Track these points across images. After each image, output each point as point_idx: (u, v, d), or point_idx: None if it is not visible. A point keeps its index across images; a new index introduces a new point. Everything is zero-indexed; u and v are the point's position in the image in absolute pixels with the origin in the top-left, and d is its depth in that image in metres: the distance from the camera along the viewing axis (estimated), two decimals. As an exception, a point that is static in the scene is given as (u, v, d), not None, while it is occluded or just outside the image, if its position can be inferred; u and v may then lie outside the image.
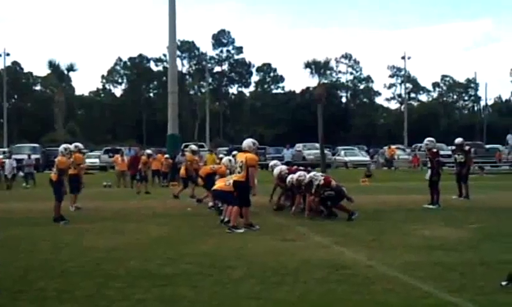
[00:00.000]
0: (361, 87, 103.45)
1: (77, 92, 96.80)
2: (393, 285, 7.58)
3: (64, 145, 16.21)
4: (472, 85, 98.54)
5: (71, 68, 57.68)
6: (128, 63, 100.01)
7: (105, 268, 8.94)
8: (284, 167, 17.10)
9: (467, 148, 20.16)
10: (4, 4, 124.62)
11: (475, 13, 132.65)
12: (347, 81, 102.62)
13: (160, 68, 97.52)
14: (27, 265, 9.30)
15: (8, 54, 76.66)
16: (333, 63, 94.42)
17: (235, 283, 7.84)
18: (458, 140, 20.04)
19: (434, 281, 7.71)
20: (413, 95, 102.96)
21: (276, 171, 16.50)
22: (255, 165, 13.03)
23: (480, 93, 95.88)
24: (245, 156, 12.86)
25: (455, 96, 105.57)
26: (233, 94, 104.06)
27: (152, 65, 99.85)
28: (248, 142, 13.32)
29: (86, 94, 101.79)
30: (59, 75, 58.77)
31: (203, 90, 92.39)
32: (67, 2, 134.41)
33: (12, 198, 23.90)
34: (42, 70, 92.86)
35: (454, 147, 20.93)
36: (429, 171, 17.80)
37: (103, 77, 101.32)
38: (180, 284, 7.78)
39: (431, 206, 16.79)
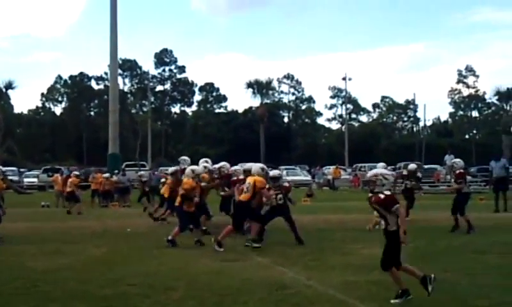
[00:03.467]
0: (303, 107, 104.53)
1: (16, 110, 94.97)
2: (332, 304, 7.67)
3: None
4: (411, 106, 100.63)
5: (9, 86, 56.68)
6: (69, 81, 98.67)
7: (42, 290, 8.76)
8: None
9: (419, 174, 20.05)
10: None
11: (413, 36, 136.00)
12: (289, 101, 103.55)
13: (101, 86, 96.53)
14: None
15: None
16: (275, 83, 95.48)
17: (175, 304, 7.81)
18: (412, 166, 19.97)
19: (373, 301, 7.82)
20: (353, 116, 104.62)
21: None
22: (264, 187, 13.22)
23: (419, 114, 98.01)
24: (254, 179, 13.21)
25: (395, 117, 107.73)
26: (175, 113, 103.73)
27: (93, 83, 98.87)
28: (256, 168, 13.77)
29: (25, 112, 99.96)
30: (-3, 93, 57.57)
31: (145, 109, 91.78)
32: (6, 21, 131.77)
33: None
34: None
35: (404, 172, 20.13)
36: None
37: (43, 95, 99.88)
38: (119, 306, 7.69)
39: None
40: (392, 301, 7.58)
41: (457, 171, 16.08)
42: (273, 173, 14.75)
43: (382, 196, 7.74)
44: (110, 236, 15.40)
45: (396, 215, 7.66)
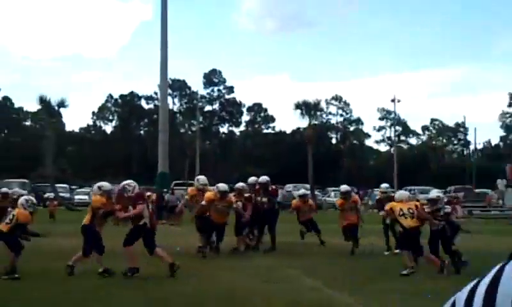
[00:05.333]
0: (351, 129, 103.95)
1: (68, 128, 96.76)
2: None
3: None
4: (461, 129, 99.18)
5: (62, 104, 57.40)
6: (120, 100, 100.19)
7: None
8: None
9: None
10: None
11: (463, 58, 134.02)
12: (337, 123, 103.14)
13: (151, 105, 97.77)
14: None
15: (-1, 89, 76.92)
16: (323, 105, 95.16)
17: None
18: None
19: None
20: (402, 138, 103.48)
21: None
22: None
23: (469, 137, 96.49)
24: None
25: (444, 140, 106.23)
26: (223, 133, 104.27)
27: (143, 103, 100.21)
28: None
29: (77, 130, 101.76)
30: (49, 111, 58.55)
31: (193, 129, 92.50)
32: (57, 39, 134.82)
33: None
34: (33, 106, 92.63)
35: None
36: None
37: (94, 113, 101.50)
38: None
39: None
40: None
41: None
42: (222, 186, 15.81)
43: None
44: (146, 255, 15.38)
45: None
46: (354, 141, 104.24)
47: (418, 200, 16.08)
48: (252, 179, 17.55)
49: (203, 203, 15.34)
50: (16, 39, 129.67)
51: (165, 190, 33.99)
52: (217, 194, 15.41)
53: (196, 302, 9.26)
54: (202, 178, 16.92)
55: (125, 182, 12.97)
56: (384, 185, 18.75)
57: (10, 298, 9.74)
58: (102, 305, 9.16)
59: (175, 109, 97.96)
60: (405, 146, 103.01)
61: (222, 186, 15.73)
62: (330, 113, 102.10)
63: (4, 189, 22.56)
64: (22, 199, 12.61)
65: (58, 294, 10.02)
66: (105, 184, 13.52)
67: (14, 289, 10.50)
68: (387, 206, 13.96)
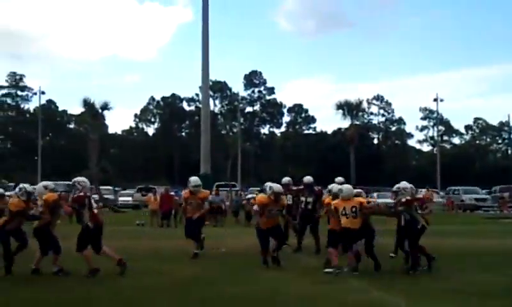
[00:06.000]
0: (393, 129, 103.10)
1: (111, 130, 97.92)
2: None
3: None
4: (505, 128, 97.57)
5: (105, 107, 58.38)
6: (161, 102, 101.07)
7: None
8: None
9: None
10: (40, 44, 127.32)
11: (507, 56, 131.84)
12: (379, 123, 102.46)
13: (192, 107, 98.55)
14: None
15: (43, 92, 78.12)
16: (364, 105, 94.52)
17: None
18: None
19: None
20: (445, 138, 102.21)
21: None
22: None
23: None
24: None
25: (488, 139, 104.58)
26: (264, 134, 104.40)
27: (185, 105, 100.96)
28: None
29: (119, 132, 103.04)
30: (93, 114, 59.49)
31: (234, 130, 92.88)
32: (100, 42, 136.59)
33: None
34: (76, 108, 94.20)
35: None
36: None
37: (136, 115, 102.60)
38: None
39: None
40: None
41: None
42: (277, 187, 13.81)
43: None
44: (203, 256, 15.40)
45: None
46: (396, 141, 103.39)
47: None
48: (286, 179, 17.20)
49: (256, 208, 13.59)
50: (61, 43, 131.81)
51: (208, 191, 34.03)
52: (271, 197, 13.19)
53: (242, 304, 9.26)
54: (194, 179, 16.08)
55: (76, 179, 12.56)
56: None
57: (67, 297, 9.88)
58: (155, 305, 9.24)
59: (216, 110, 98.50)
60: (448, 146, 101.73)
61: (277, 187, 13.43)
62: (372, 113, 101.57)
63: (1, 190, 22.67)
64: (16, 189, 12.55)
65: (103, 292, 10.14)
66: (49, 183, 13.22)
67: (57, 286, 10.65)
68: (330, 202, 13.30)
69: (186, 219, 16.01)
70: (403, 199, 12.67)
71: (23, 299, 9.83)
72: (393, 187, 13.65)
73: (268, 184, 14.16)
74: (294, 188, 17.21)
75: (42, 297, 9.90)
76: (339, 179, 16.19)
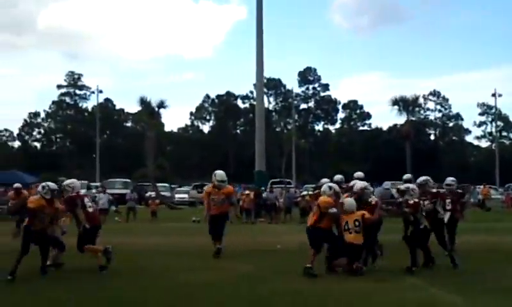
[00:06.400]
0: (451, 125, 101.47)
1: (167, 128, 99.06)
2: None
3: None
4: None
5: (161, 105, 58.82)
6: (216, 100, 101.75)
7: (193, 304, 9.02)
8: None
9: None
10: (98, 43, 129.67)
11: None
12: (435, 119, 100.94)
13: (247, 105, 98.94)
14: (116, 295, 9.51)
15: (100, 91, 79.86)
16: (421, 100, 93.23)
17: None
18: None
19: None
20: (504, 133, 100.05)
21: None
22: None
23: None
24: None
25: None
26: (319, 131, 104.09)
27: (239, 102, 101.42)
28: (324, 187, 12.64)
29: (175, 130, 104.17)
30: (149, 112, 60.21)
31: (289, 127, 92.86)
32: (157, 41, 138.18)
33: (103, 232, 24.53)
34: (133, 107, 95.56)
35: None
36: None
37: (191, 113, 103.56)
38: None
39: None
40: None
41: None
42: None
43: None
44: (258, 253, 15.45)
45: None
46: (454, 137, 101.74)
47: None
48: (338, 177, 15.94)
49: (333, 210, 11.99)
50: (118, 42, 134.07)
51: (262, 188, 34.26)
52: (333, 196, 12.27)
53: (296, 301, 9.30)
54: (220, 173, 15.13)
55: (64, 183, 12.35)
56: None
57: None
58: (210, 301, 9.36)
59: (271, 107, 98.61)
60: (507, 142, 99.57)
61: (336, 187, 12.62)
62: (428, 109, 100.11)
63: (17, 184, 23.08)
64: (39, 186, 12.09)
65: (159, 290, 10.31)
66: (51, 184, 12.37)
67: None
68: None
69: (210, 216, 15.00)
70: (410, 201, 12.29)
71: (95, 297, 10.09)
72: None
73: (324, 181, 14.19)
74: (344, 186, 16.86)
75: (102, 295, 10.14)
76: (358, 174, 15.68)
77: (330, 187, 12.39)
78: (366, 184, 13.07)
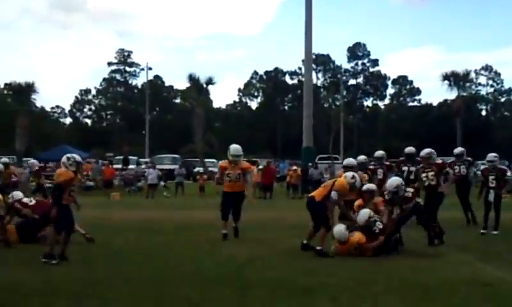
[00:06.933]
0: (502, 100, 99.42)
1: (215, 105, 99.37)
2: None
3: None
4: None
5: (210, 82, 59.25)
6: (264, 77, 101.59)
7: (244, 277, 9.12)
8: None
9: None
10: (147, 21, 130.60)
11: None
12: (487, 94, 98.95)
13: (295, 81, 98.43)
14: (168, 272, 9.69)
15: (150, 68, 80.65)
16: (472, 75, 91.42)
17: (375, 296, 7.76)
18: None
19: None
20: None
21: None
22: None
23: None
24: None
25: None
26: (368, 107, 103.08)
27: (287, 78, 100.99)
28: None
29: (223, 107, 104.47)
30: (198, 89, 60.62)
31: (337, 103, 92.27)
32: (205, 18, 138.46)
33: (153, 207, 24.91)
34: (182, 84, 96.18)
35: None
36: None
37: (239, 90, 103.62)
38: (319, 296, 7.79)
39: None
40: None
41: None
42: None
43: None
44: (305, 227, 15.48)
45: None
46: (506, 113, 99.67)
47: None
48: (361, 158, 15.94)
49: (334, 198, 11.51)
50: (166, 20, 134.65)
51: (310, 164, 34.28)
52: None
53: (347, 275, 9.32)
54: (234, 147, 14.30)
55: (64, 158, 10.97)
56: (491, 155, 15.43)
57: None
58: (239, 282, 9.43)
59: (319, 83, 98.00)
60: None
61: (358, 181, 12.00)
62: (480, 84, 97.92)
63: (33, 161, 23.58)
64: (63, 158, 11.04)
65: (211, 263, 10.44)
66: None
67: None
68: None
69: (224, 193, 13.91)
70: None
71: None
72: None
73: (360, 159, 15.20)
74: (396, 160, 16.77)
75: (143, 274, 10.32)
76: (410, 149, 15.92)
77: (353, 176, 11.72)
78: (399, 182, 11.89)
